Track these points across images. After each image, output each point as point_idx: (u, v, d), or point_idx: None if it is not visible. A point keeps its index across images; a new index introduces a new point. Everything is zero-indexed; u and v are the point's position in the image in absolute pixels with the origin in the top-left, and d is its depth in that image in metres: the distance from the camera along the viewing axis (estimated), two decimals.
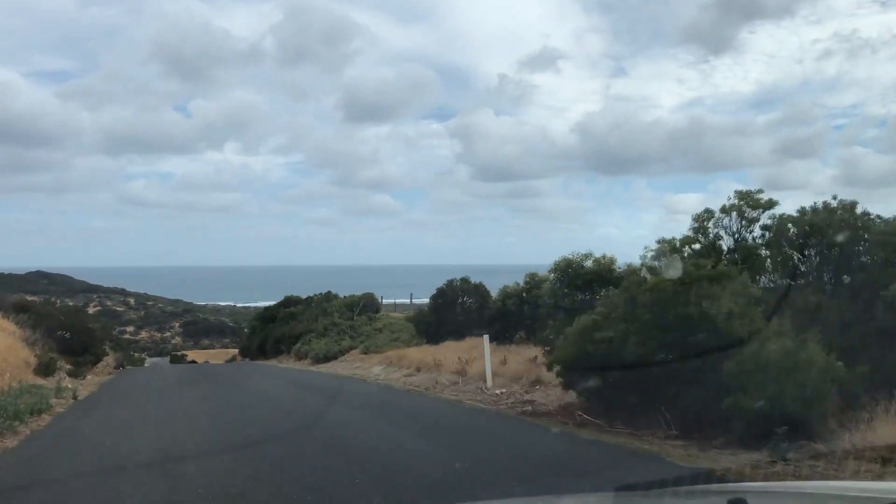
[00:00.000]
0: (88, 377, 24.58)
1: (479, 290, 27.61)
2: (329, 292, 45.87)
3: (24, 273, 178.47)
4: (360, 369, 25.82)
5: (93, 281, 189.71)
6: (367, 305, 38.01)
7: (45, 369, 20.72)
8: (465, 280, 28.07)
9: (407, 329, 30.68)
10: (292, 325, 41.25)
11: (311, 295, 48.86)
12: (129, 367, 43.09)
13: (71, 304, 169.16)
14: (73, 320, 30.98)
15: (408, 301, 48.96)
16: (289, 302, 49.24)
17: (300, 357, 35.01)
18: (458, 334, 24.61)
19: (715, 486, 2.93)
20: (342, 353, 31.90)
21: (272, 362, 38.18)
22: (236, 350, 77.41)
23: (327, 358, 31.83)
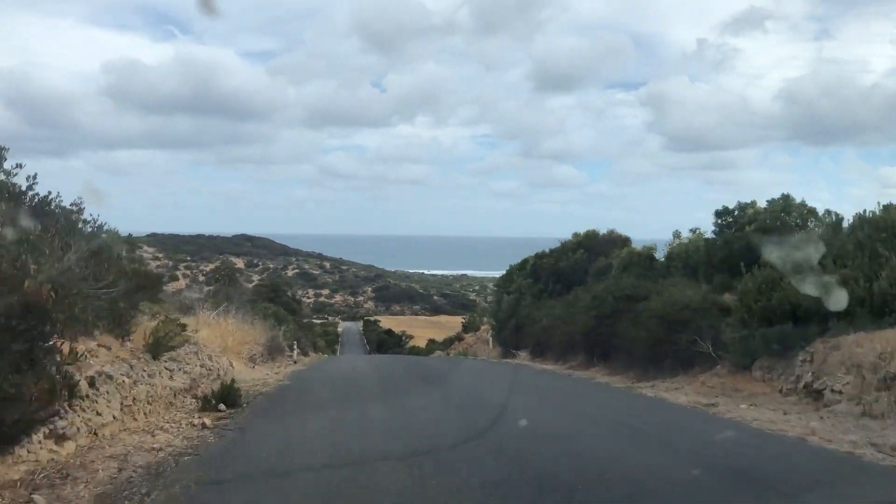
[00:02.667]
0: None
1: None
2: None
3: (230, 236, 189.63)
4: None
5: (292, 245, 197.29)
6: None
7: None
8: None
9: None
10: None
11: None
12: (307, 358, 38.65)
13: (271, 265, 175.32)
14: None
15: None
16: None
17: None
18: None
19: None
20: None
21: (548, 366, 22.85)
22: (456, 322, 73.27)
23: None
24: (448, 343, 58.77)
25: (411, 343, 73.24)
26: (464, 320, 70.86)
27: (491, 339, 38.32)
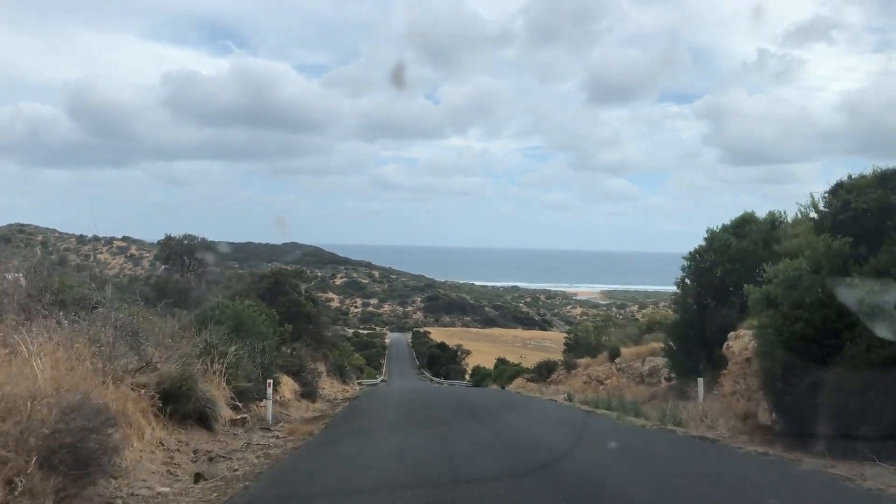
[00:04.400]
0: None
1: None
2: None
3: (279, 244, 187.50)
4: None
5: (342, 254, 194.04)
6: None
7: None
8: None
9: None
10: None
11: None
12: (351, 384, 33.21)
13: (320, 273, 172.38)
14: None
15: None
16: None
17: None
18: None
19: None
20: None
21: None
22: (510, 336, 66.24)
23: None
24: (543, 372, 37.88)
25: (469, 359, 65.92)
26: (567, 337, 47.63)
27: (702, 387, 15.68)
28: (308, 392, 20.27)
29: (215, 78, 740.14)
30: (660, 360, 22.09)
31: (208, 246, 35.43)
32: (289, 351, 21.06)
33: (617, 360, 26.92)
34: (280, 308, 23.91)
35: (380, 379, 55.43)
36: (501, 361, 59.21)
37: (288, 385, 18.71)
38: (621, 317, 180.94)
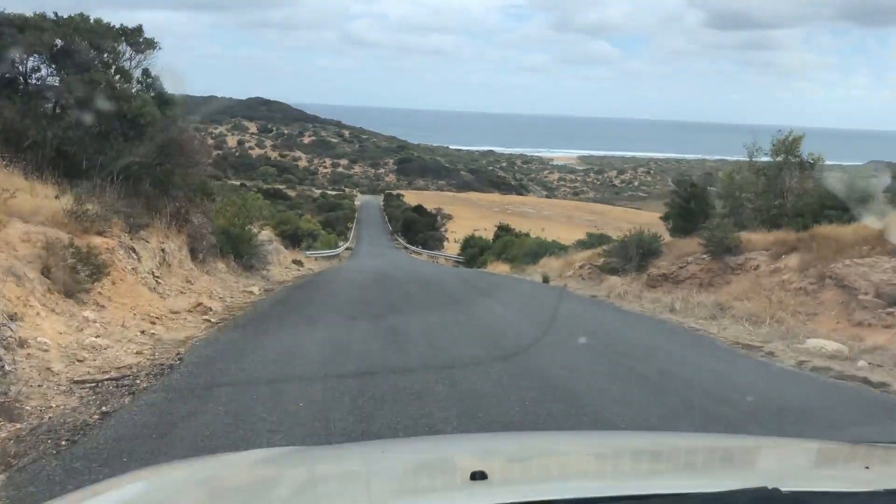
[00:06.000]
0: None
1: None
2: None
3: (244, 99, 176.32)
4: None
5: (310, 111, 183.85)
6: None
7: None
8: None
9: None
10: None
11: None
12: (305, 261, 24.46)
13: (286, 131, 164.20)
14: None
15: None
16: None
17: None
18: None
19: None
20: None
21: None
22: (489, 200, 57.43)
23: None
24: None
25: (451, 225, 56.07)
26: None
27: None
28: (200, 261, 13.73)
29: None
30: None
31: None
32: None
33: None
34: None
35: (343, 247, 46.36)
36: (503, 229, 44.69)
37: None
38: (599, 181, 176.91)
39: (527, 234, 39.87)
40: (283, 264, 20.77)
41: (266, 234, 19.21)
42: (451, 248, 50.04)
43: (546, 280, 20.75)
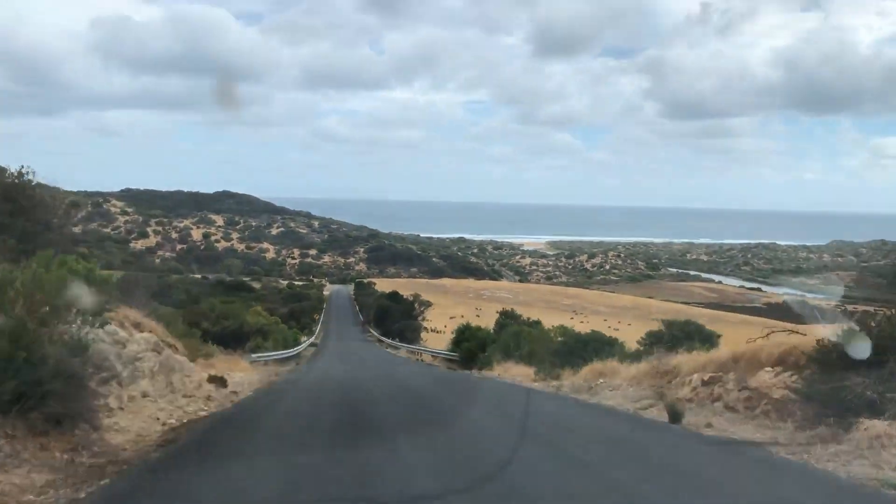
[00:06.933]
0: None
1: None
2: None
3: (212, 192, 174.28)
4: None
5: (279, 203, 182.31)
6: None
7: None
8: None
9: None
10: None
11: None
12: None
13: (254, 223, 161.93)
14: None
15: None
16: None
17: None
18: None
19: None
20: None
21: None
22: (464, 287, 53.69)
23: None
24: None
25: (430, 314, 48.21)
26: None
27: None
28: None
29: (149, 23, 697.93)
30: None
31: None
32: None
33: None
34: None
35: (306, 343, 40.56)
36: (508, 316, 37.32)
37: None
38: (571, 266, 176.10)
39: (537, 323, 32.38)
40: (181, 391, 11.48)
41: (143, 337, 9.96)
42: (432, 340, 45.64)
43: (675, 416, 10.01)
